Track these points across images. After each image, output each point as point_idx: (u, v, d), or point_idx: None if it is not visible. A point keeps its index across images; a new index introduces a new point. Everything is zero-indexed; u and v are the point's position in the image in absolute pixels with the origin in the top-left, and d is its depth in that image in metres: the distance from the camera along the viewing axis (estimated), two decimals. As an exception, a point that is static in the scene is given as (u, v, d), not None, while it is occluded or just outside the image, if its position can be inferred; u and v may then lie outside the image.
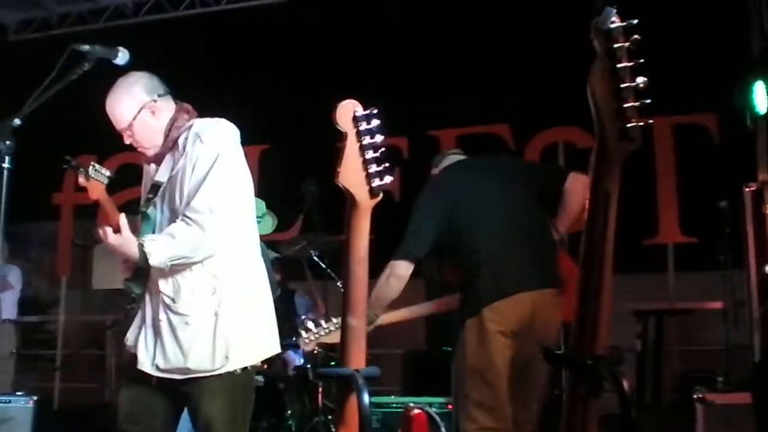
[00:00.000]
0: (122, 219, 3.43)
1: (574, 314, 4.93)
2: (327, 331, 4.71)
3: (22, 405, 7.01)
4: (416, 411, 3.12)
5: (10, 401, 7.08)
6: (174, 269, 3.47)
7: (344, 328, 2.34)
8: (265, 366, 7.10)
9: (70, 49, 3.50)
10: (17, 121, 3.30)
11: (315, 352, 7.20)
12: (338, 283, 7.68)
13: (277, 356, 7.41)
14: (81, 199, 10.29)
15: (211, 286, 3.51)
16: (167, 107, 3.68)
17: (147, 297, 3.65)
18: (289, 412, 6.81)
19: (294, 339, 7.45)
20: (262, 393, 6.70)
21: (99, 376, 10.24)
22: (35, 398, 7.18)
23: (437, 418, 3.51)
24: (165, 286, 3.53)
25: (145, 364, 3.56)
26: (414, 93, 8.82)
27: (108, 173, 3.66)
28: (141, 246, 3.39)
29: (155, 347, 3.55)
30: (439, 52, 9.36)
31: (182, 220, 3.44)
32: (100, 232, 3.41)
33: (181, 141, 3.59)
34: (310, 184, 7.66)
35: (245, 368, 3.54)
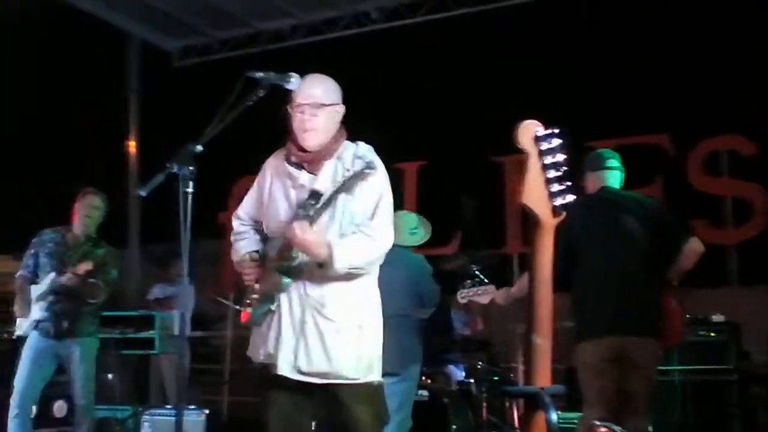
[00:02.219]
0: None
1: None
2: (480, 292, 5.51)
3: (195, 418, 7.23)
4: (603, 429, 3.10)
5: (183, 414, 7.32)
6: (326, 276, 3.60)
7: (529, 346, 2.34)
8: (429, 381, 7.16)
9: (245, 76, 3.58)
10: (199, 147, 3.42)
11: (478, 367, 7.22)
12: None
13: (440, 371, 7.48)
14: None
15: (358, 299, 3.70)
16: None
17: (286, 301, 3.69)
18: (454, 426, 6.81)
19: (455, 354, 7.51)
20: (426, 408, 6.78)
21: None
22: (207, 411, 7.41)
23: (621, 434, 3.53)
24: (314, 290, 3.65)
25: (284, 368, 3.64)
26: (570, 103, 8.72)
27: None
28: (330, 249, 3.51)
29: (297, 350, 3.64)
30: (594, 61, 9.24)
31: (362, 233, 3.61)
32: (297, 226, 3.50)
33: (345, 156, 3.73)
34: (469, 199, 7.68)
35: (377, 381, 3.74)
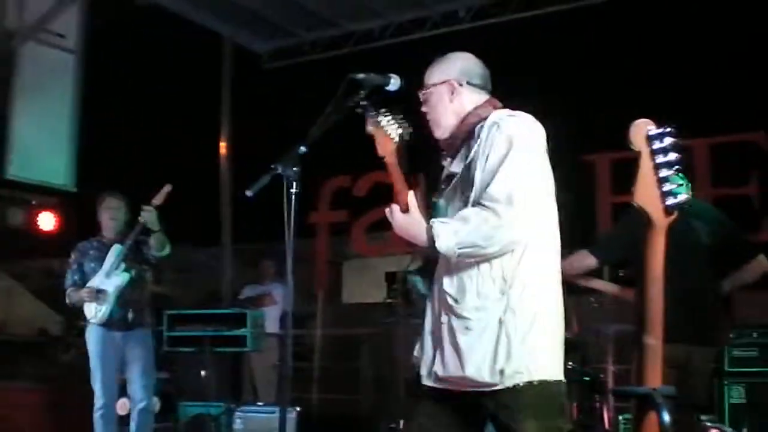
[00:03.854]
0: (411, 197, 3.26)
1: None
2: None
3: (287, 415, 7.31)
4: (713, 430, 3.07)
5: (275, 412, 7.43)
6: (460, 266, 3.18)
7: (641, 348, 2.33)
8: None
9: (348, 78, 3.58)
10: (303, 149, 3.44)
11: (569, 367, 7.16)
12: (591, 298, 7.59)
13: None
14: (335, 218, 10.73)
15: (499, 289, 3.13)
16: (472, 98, 3.46)
17: (428, 302, 3.35)
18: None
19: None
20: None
21: (353, 388, 10.53)
22: (298, 409, 7.51)
23: (735, 436, 3.49)
24: (449, 285, 3.22)
25: (424, 377, 3.29)
26: (664, 102, 8.59)
27: (404, 131, 3.41)
28: (429, 228, 3.13)
29: (434, 354, 3.25)
30: (687, 58, 9.10)
31: (477, 206, 3.11)
32: (387, 210, 3.26)
33: (477, 129, 3.30)
34: (561, 196, 7.60)
35: (534, 383, 3.08)
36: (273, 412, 7.56)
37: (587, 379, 7.20)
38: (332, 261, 11.51)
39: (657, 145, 2.26)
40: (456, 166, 3.35)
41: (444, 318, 3.23)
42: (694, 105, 8.75)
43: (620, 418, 6.59)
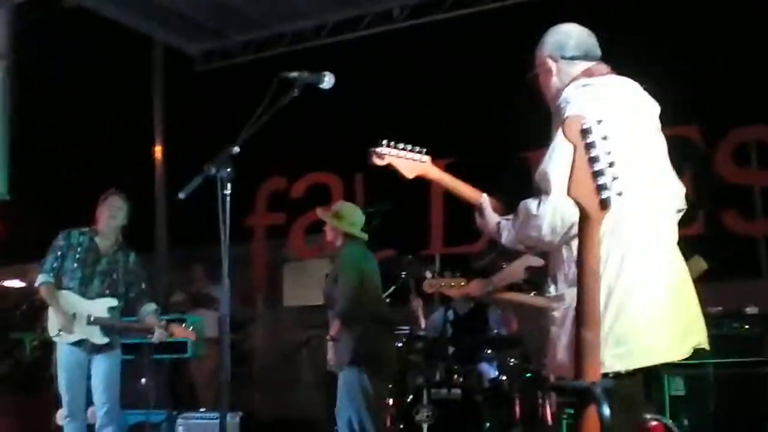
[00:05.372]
0: (483, 198, 3.33)
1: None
2: (449, 285, 5.03)
3: (230, 420, 7.25)
4: (654, 423, 3.07)
5: (216, 417, 7.36)
6: (550, 254, 3.12)
7: (578, 341, 2.32)
8: (461, 379, 7.14)
9: (279, 77, 3.55)
10: (236, 149, 3.41)
11: (511, 364, 7.18)
12: (532, 294, 7.63)
13: (472, 369, 7.46)
14: (272, 220, 10.66)
15: (568, 277, 3.00)
16: (569, 71, 3.34)
17: None
18: (488, 425, 6.80)
19: (487, 351, 7.49)
20: (458, 406, 6.77)
21: (295, 391, 10.48)
22: (241, 414, 7.44)
23: (675, 429, 3.47)
24: (550, 275, 3.14)
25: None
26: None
27: (418, 151, 3.47)
28: (497, 225, 3.18)
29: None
30: (621, 53, 9.15)
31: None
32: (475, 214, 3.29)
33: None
34: (502, 195, 7.62)
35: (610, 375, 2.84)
36: (215, 418, 7.50)
37: (529, 375, 7.24)
38: (271, 264, 11.42)
39: (590, 138, 2.25)
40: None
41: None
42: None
43: (565, 411, 6.62)
